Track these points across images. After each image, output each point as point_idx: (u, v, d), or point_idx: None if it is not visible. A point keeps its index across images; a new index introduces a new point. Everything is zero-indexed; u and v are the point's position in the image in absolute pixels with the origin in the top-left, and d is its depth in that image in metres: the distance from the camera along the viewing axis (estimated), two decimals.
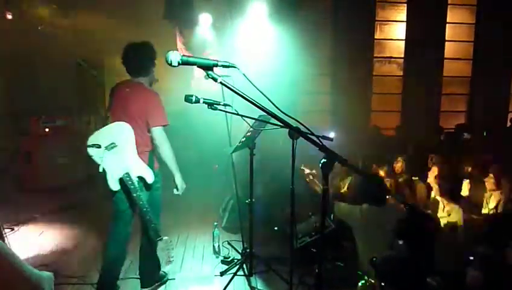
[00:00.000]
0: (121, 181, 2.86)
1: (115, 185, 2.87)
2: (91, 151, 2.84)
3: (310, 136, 1.62)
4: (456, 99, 9.40)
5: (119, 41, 7.65)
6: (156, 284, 3.40)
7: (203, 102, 2.34)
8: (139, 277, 3.36)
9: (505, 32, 8.65)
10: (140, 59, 3.04)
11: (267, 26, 6.64)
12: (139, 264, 3.34)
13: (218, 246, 4.10)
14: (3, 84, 6.74)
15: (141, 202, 2.89)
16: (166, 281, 3.50)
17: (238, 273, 3.49)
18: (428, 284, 2.82)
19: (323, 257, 3.43)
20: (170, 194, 3.18)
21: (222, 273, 3.61)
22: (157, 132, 2.97)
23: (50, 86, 7.03)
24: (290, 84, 7.02)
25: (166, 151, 3.00)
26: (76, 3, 7.39)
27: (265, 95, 1.56)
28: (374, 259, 3.24)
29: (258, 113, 2.66)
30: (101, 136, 2.87)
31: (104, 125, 3.00)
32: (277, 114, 1.61)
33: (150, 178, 2.95)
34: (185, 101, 2.33)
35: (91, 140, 2.85)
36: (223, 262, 3.87)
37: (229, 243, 4.25)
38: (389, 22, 8.95)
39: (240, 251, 3.97)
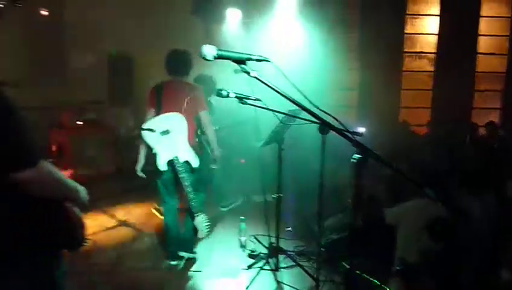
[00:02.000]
0: (169, 163, 3.35)
1: (163, 166, 3.36)
2: (145, 134, 3.33)
3: (343, 131, 1.60)
4: (489, 95, 9.09)
5: (148, 35, 7.77)
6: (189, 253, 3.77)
7: (235, 96, 2.37)
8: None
9: None
10: (185, 63, 3.57)
11: (295, 21, 6.59)
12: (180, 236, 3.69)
13: (245, 240, 4.13)
14: (35, 77, 6.90)
15: (185, 183, 3.35)
16: (194, 257, 3.79)
17: (264, 267, 3.50)
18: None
19: (350, 256, 3.41)
20: None
21: (249, 267, 3.63)
22: (205, 115, 3.55)
23: (80, 79, 7.19)
24: (317, 80, 6.95)
25: (211, 131, 3.61)
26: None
27: (298, 89, 1.55)
28: (398, 268, 3.17)
29: (287, 108, 2.70)
30: (156, 122, 3.36)
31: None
32: (311, 109, 1.59)
33: (195, 163, 3.45)
34: (217, 95, 2.37)
35: (147, 125, 3.35)
36: (249, 256, 3.89)
37: (255, 238, 4.26)
38: (421, 16, 8.73)
39: (267, 246, 3.98)
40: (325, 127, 2.54)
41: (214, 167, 3.81)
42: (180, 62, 3.56)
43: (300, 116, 2.70)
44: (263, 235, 4.18)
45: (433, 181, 3.20)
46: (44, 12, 7.44)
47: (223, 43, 6.84)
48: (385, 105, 8.24)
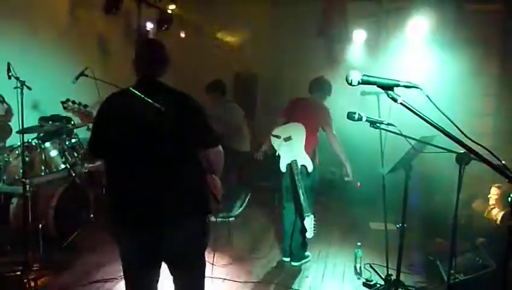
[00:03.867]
0: (288, 166, 3.86)
1: (283, 168, 3.88)
2: (272, 139, 3.91)
3: (497, 165, 1.45)
4: None
5: (272, 55, 8.04)
6: (303, 261, 4.14)
7: (366, 120, 2.33)
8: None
9: None
10: (327, 88, 4.20)
11: (426, 43, 6.21)
12: (291, 241, 4.08)
13: (360, 267, 3.98)
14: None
15: (299, 184, 3.75)
16: (309, 260, 4.19)
17: None
18: None
19: None
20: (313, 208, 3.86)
21: None
22: (330, 134, 4.01)
23: None
24: (449, 105, 6.39)
25: (337, 146, 4.03)
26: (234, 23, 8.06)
27: (447, 117, 1.46)
28: None
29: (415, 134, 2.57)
30: (282, 130, 3.94)
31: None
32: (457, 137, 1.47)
33: (310, 167, 3.87)
34: (348, 118, 2.35)
35: (275, 132, 3.93)
36: (364, 285, 3.74)
37: (371, 266, 4.07)
38: None
39: (383, 276, 3.78)
40: (463, 157, 2.39)
41: (347, 179, 4.15)
42: (323, 86, 4.17)
43: (435, 143, 2.55)
44: (380, 265, 3.99)
45: None
46: (182, 35, 8.25)
47: (346, 63, 6.79)
48: None
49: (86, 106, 2.93)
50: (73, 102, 2.95)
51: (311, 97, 4.19)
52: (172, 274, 2.27)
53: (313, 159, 3.93)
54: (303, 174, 3.83)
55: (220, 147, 2.27)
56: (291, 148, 3.85)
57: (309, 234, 3.83)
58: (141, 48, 2.30)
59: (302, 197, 3.75)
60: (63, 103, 2.96)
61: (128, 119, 2.09)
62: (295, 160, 3.81)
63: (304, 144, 3.87)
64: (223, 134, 4.61)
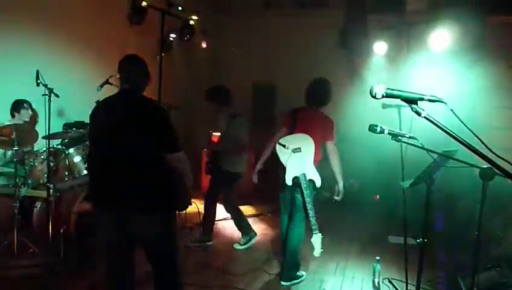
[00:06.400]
0: (294, 179, 3.60)
1: (289, 181, 3.61)
2: (279, 147, 3.63)
3: None
4: None
5: (292, 65, 8.07)
6: (294, 281, 3.87)
7: (388, 133, 2.32)
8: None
9: None
10: (325, 94, 3.83)
11: (447, 56, 6.13)
12: (284, 260, 3.93)
13: (378, 282, 3.92)
14: (195, 102, 7.69)
15: (308, 199, 3.55)
16: (302, 280, 3.91)
17: None
18: None
19: None
20: (330, 221, 3.65)
21: None
22: (331, 145, 3.76)
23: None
24: (468, 118, 6.28)
25: (335, 161, 3.77)
26: (255, 33, 8.14)
27: (472, 131, 1.46)
28: None
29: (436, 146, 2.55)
30: (290, 139, 3.66)
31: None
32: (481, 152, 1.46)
33: (318, 182, 3.68)
34: (369, 130, 2.35)
35: (282, 141, 3.66)
36: None
37: (389, 281, 4.01)
38: None
39: None
40: (487, 172, 2.35)
41: (336, 198, 3.88)
42: (319, 93, 3.83)
43: (457, 158, 2.52)
44: (399, 280, 3.92)
45: None
46: (204, 45, 8.38)
47: (366, 75, 6.78)
48: None
49: None
50: None
51: (314, 109, 3.84)
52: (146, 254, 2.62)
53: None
54: (311, 188, 3.63)
55: (184, 156, 2.55)
56: (301, 161, 3.58)
57: (316, 253, 3.67)
58: (122, 63, 2.62)
59: (310, 213, 3.57)
60: None
61: (107, 123, 2.51)
62: (304, 174, 3.57)
63: (313, 157, 3.65)
64: (221, 151, 4.57)
